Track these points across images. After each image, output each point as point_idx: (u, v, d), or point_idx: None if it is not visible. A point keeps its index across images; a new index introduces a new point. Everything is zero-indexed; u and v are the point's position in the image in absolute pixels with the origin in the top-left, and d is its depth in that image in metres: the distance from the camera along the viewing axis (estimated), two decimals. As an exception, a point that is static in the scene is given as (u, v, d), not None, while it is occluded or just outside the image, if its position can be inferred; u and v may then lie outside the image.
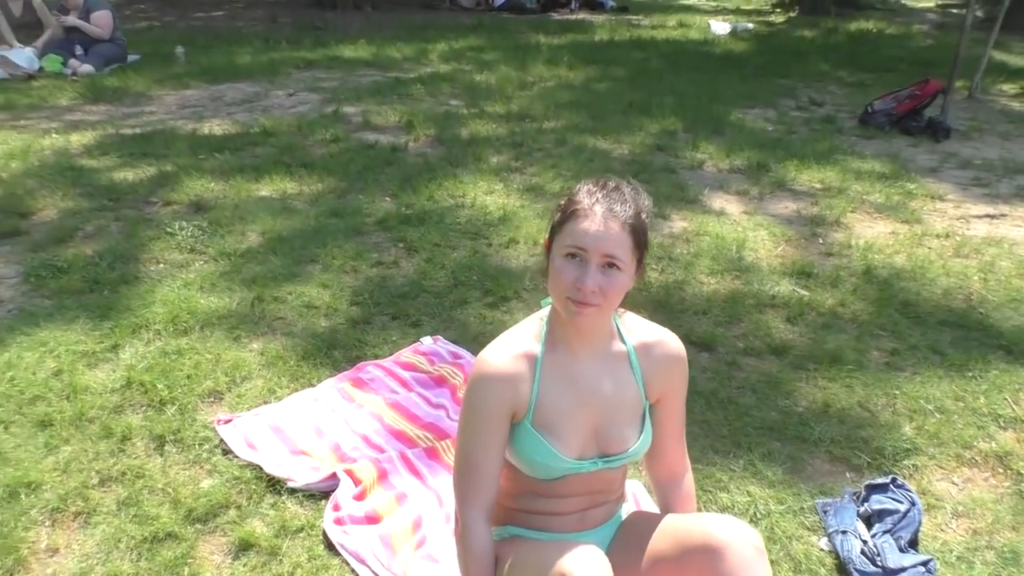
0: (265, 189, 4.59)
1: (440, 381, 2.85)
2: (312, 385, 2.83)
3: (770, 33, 12.46)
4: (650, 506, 2.27)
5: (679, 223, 4.29)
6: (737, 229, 4.21)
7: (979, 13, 15.27)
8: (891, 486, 2.39)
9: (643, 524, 1.75)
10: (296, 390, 2.80)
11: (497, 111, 6.56)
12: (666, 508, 1.85)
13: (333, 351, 3.03)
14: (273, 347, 3.03)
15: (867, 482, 2.44)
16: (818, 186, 4.93)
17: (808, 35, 11.86)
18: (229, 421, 2.59)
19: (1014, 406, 2.87)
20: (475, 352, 2.83)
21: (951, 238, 4.18)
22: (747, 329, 3.31)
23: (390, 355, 3.00)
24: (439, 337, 3.13)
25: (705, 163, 5.31)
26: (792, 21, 13.85)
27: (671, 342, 1.72)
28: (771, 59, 9.47)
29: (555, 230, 1.55)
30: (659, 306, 3.42)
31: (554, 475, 1.64)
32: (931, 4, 17.60)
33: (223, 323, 3.17)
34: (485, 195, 4.56)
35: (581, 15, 14.30)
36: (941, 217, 4.50)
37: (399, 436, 2.59)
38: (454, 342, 3.11)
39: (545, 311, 1.67)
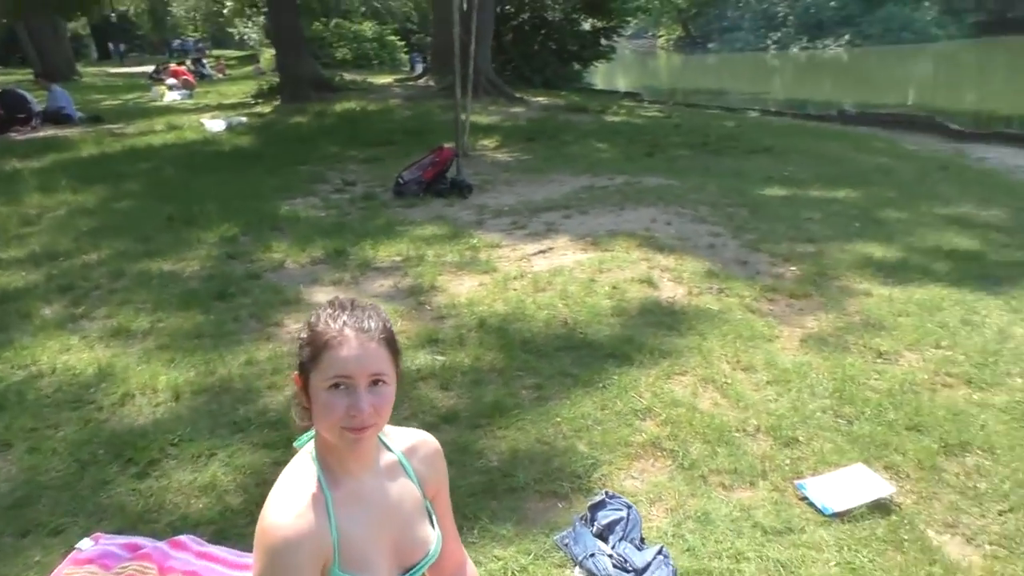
0: None
1: (133, 585, 2.39)
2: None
3: (265, 124, 12.77)
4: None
5: (296, 327, 4.21)
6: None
7: (432, 83, 17.82)
8: (607, 500, 2.71)
9: None
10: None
11: (15, 256, 5.64)
12: None
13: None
14: None
15: (588, 503, 2.73)
16: (398, 259, 5.26)
17: (303, 121, 12.45)
18: None
19: (641, 399, 3.46)
20: (156, 536, 2.50)
21: (526, 277, 4.83)
22: (414, 408, 3.41)
23: (43, 582, 2.42)
24: (99, 534, 2.61)
25: (285, 262, 5.28)
26: (279, 110, 14.37)
27: (429, 440, 1.77)
28: (283, 149, 9.74)
29: (308, 367, 1.48)
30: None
31: None
32: (390, 80, 19.83)
33: None
34: (63, 355, 3.90)
35: (49, 131, 12.90)
36: (508, 262, 5.16)
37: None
38: (119, 532, 2.63)
39: (307, 449, 1.58)
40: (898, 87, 25.98)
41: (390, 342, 1.51)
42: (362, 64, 26.72)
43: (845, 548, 2.55)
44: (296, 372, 1.51)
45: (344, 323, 1.47)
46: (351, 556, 1.50)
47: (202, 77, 24.94)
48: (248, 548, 2.53)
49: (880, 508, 2.74)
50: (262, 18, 32.94)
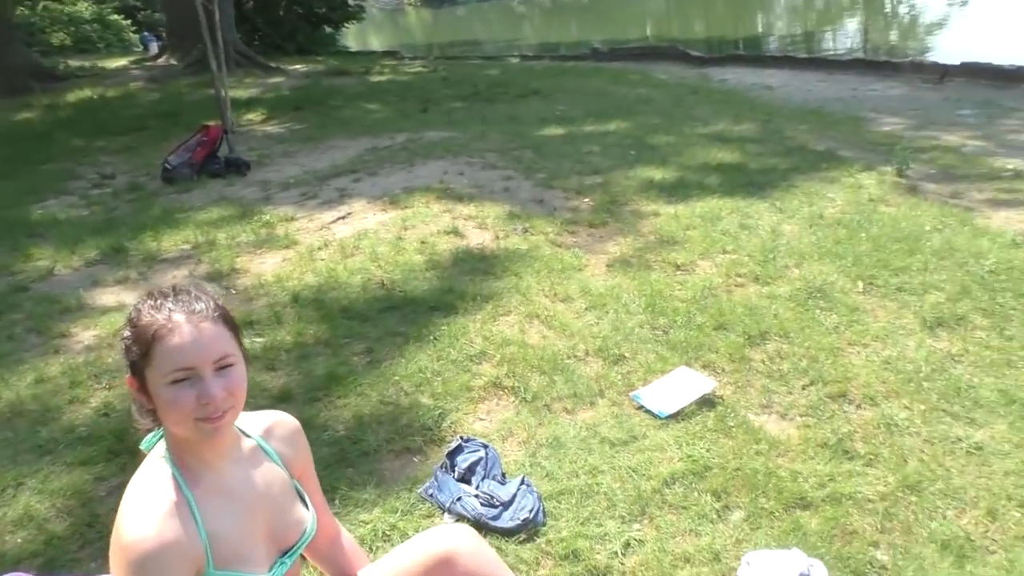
0: None
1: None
2: None
3: (-13, 123, 11.26)
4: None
5: (86, 334, 3.81)
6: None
7: (173, 61, 16.54)
8: (463, 443, 2.73)
9: None
10: None
11: None
12: (344, 571, 1.83)
13: None
14: None
15: (445, 451, 2.74)
16: (187, 247, 4.89)
17: (31, 116, 11.12)
18: None
19: (472, 344, 3.49)
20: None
21: (331, 246, 4.68)
22: (242, 395, 3.22)
23: None
24: None
25: (54, 268, 4.72)
26: (-2, 107, 12.70)
27: (287, 419, 1.72)
28: (14, 149, 8.64)
29: (140, 365, 1.37)
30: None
31: None
32: (124, 63, 18.12)
33: None
34: None
35: None
36: (308, 233, 4.96)
37: None
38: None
39: (158, 451, 1.46)
40: (637, 22, 27.71)
41: (226, 319, 1.43)
42: (85, 49, 24.13)
43: (684, 444, 2.76)
44: (128, 375, 1.40)
45: (170, 310, 1.37)
46: (224, 553, 1.42)
47: None
48: (90, 571, 2.32)
49: (706, 403, 2.98)
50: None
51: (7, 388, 3.32)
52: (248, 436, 1.58)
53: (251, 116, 9.80)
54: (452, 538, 1.75)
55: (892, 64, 10.74)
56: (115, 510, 2.55)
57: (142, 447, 1.48)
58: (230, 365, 1.39)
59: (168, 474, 1.40)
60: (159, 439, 1.47)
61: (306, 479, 1.70)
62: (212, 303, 1.41)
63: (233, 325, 1.44)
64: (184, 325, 1.35)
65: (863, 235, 4.37)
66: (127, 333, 1.39)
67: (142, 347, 1.35)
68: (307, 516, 1.62)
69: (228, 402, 1.38)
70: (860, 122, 7.58)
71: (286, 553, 1.55)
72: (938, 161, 5.90)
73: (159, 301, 1.38)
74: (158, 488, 1.38)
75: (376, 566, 1.81)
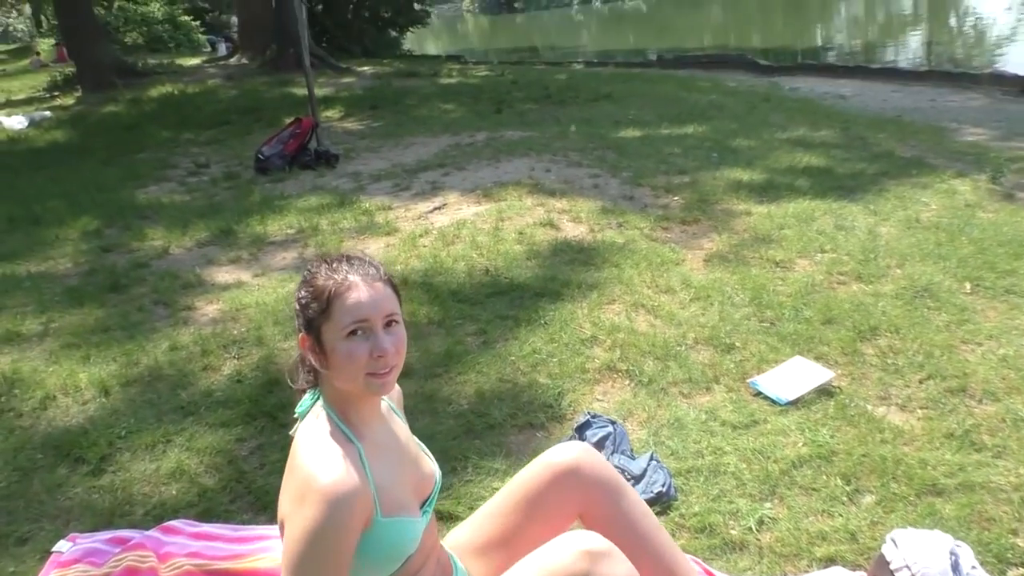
0: None
1: (132, 573, 2.23)
2: None
3: (75, 116, 11.73)
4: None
5: (210, 308, 3.99)
6: (264, 292, 4.11)
7: (245, 60, 16.98)
8: (591, 419, 2.81)
9: (482, 530, 1.86)
10: None
11: None
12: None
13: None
14: None
15: (574, 426, 2.82)
16: (292, 231, 5.06)
17: (118, 109, 11.56)
18: None
19: (583, 329, 3.58)
20: (137, 527, 2.40)
21: (431, 234, 4.81)
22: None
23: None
24: (75, 535, 2.41)
25: (168, 248, 4.94)
26: (85, 100, 13.18)
27: (396, 385, 1.82)
28: (109, 139, 9.03)
29: (318, 322, 1.49)
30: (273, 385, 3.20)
31: (413, 546, 1.58)
32: (198, 62, 18.68)
33: None
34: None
35: None
36: (407, 221, 5.10)
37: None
38: (95, 530, 2.44)
39: (318, 410, 1.56)
40: (695, 31, 27.65)
41: (392, 283, 1.55)
42: (157, 48, 24.84)
43: (807, 430, 2.79)
44: (302, 334, 1.51)
45: (346, 271, 1.50)
46: (389, 502, 1.52)
47: (-29, 76, 22.31)
48: (243, 522, 2.44)
49: (824, 392, 3.01)
50: (28, 7, 29.82)
51: (145, 355, 3.49)
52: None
53: (329, 113, 10.04)
54: (573, 451, 1.85)
55: (970, 75, 10.59)
56: (259, 468, 2.72)
57: (296, 412, 1.59)
58: (396, 322, 1.51)
59: (338, 428, 1.52)
60: (313, 402, 1.58)
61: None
62: (380, 268, 1.55)
63: (397, 290, 1.56)
64: (361, 284, 1.48)
65: (964, 239, 4.35)
66: (303, 293, 1.51)
67: (321, 304, 1.47)
68: (436, 468, 1.73)
69: (395, 359, 1.49)
70: (942, 131, 7.50)
71: (425, 502, 1.65)
72: (1030, 171, 5.83)
73: (334, 264, 1.52)
74: (334, 440, 1.49)
75: (506, 488, 1.91)
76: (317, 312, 1.47)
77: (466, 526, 1.93)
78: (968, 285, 3.82)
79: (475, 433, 2.89)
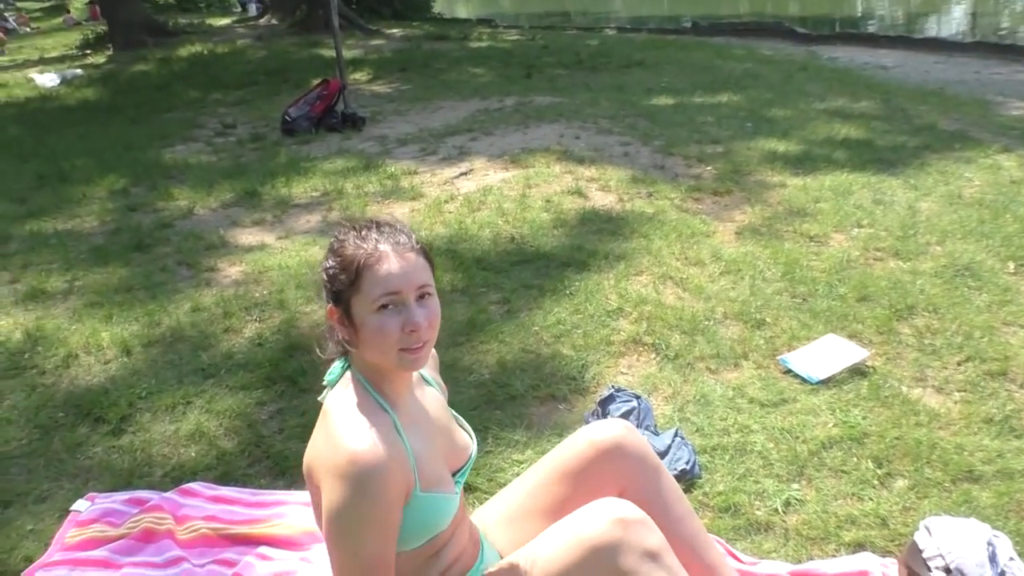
0: None
1: (149, 535, 2.22)
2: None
3: (105, 75, 11.74)
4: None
5: (233, 270, 3.96)
6: (287, 255, 4.08)
7: (275, 21, 16.87)
8: (616, 393, 2.74)
9: (515, 504, 1.81)
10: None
11: None
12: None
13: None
14: None
15: (598, 399, 2.76)
16: (316, 194, 5.02)
17: (148, 68, 11.54)
18: None
19: (609, 301, 3.50)
20: (155, 489, 2.40)
21: (456, 199, 4.74)
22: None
23: (46, 550, 2.20)
24: (93, 494, 2.41)
25: (194, 208, 4.92)
26: (116, 59, 13.19)
27: (432, 351, 1.75)
28: (138, 98, 9.02)
29: (347, 294, 1.41)
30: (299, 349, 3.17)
31: (447, 523, 1.53)
32: (228, 22, 18.59)
33: None
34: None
35: None
36: (432, 186, 5.03)
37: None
38: (113, 491, 2.43)
39: (350, 380, 1.49)
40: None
41: (424, 252, 1.46)
42: (188, 7, 24.80)
43: (838, 410, 2.71)
44: (330, 305, 1.43)
45: (376, 240, 1.41)
46: (428, 475, 1.47)
47: (7, 32, 22.45)
48: (261, 486, 2.42)
49: (857, 372, 2.92)
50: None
51: (167, 315, 3.47)
52: None
53: (357, 76, 9.94)
54: (616, 428, 1.80)
55: (1018, 48, 10.24)
56: (278, 432, 2.69)
57: (326, 380, 1.52)
58: (429, 295, 1.43)
59: (371, 397, 1.45)
60: (343, 372, 1.50)
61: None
62: (413, 236, 1.45)
63: (430, 259, 1.47)
64: (392, 254, 1.39)
65: (1008, 216, 4.20)
66: (330, 263, 1.42)
67: (350, 275, 1.38)
68: (470, 439, 1.67)
69: (428, 332, 1.41)
70: (987, 105, 7.26)
71: (458, 472, 1.60)
72: (1079, 146, 5.61)
73: (364, 232, 1.42)
74: (367, 409, 1.42)
75: (543, 462, 1.85)
76: (346, 284, 1.39)
77: (499, 499, 1.88)
78: (1012, 265, 3.69)
79: (496, 404, 2.84)
